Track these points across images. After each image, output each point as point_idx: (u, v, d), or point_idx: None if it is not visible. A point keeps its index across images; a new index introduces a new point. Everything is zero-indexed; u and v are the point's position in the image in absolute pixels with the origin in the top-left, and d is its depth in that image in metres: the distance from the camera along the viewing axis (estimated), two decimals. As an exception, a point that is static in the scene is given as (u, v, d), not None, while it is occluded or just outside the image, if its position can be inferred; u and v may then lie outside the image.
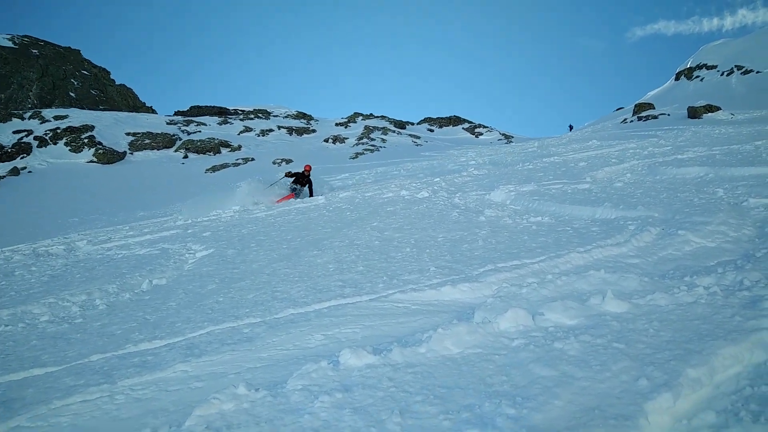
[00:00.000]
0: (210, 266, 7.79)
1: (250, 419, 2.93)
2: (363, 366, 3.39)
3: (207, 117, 54.09)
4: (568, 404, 2.76)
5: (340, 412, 2.88)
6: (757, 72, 44.23)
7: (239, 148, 44.10)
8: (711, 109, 29.31)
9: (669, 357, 3.07)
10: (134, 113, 52.98)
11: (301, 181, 16.70)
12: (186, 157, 41.55)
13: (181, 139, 44.67)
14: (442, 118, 57.35)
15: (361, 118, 56.70)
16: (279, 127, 52.60)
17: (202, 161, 39.74)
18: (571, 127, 46.22)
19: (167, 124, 48.20)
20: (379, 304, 4.88)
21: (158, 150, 41.98)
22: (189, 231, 11.79)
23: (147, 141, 42.43)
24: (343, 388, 3.14)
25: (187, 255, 9.15)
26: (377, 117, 57.13)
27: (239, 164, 38.20)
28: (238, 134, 49.22)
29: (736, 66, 47.57)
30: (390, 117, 56.93)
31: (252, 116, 57.02)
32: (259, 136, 49.71)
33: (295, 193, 16.41)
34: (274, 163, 37.88)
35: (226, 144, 44.27)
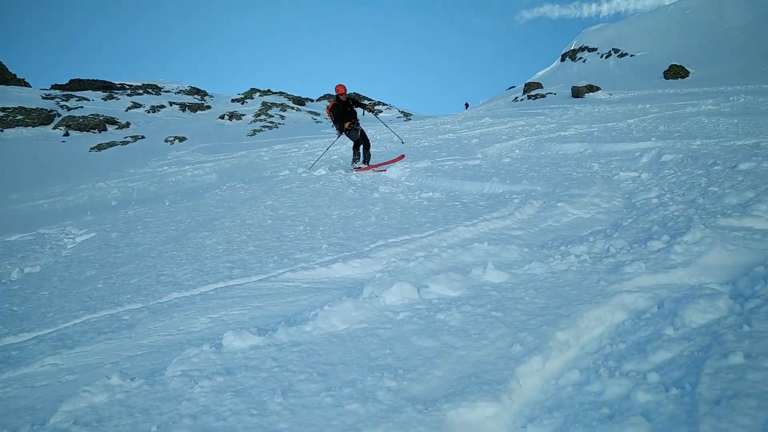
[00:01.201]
0: (90, 251, 7.30)
1: (123, 411, 2.78)
2: (247, 348, 3.32)
3: (90, 92, 50.24)
4: (446, 373, 2.86)
5: (221, 396, 2.81)
6: (631, 55, 47.75)
7: (127, 125, 41.46)
8: (592, 89, 31.32)
9: (541, 322, 3.25)
10: (2, 86, 48.02)
11: (344, 113, 11.78)
12: (67, 134, 38.43)
13: (60, 116, 41.19)
14: (342, 95, 56.99)
15: (258, 94, 55.17)
16: (171, 103, 49.99)
17: (86, 139, 36.97)
18: (467, 105, 47.66)
19: (43, 98, 44.26)
20: (269, 284, 4.79)
21: (33, 127, 38.47)
22: (69, 214, 10.97)
23: (19, 117, 38.72)
24: (225, 371, 3.06)
25: (65, 240, 8.52)
26: (275, 93, 55.83)
27: (128, 142, 35.96)
28: (126, 110, 46.23)
29: (613, 49, 51.09)
30: (289, 93, 55.81)
31: (141, 91, 53.71)
32: (149, 112, 46.98)
33: (346, 130, 11.76)
34: (166, 141, 36.01)
35: (112, 121, 41.43)
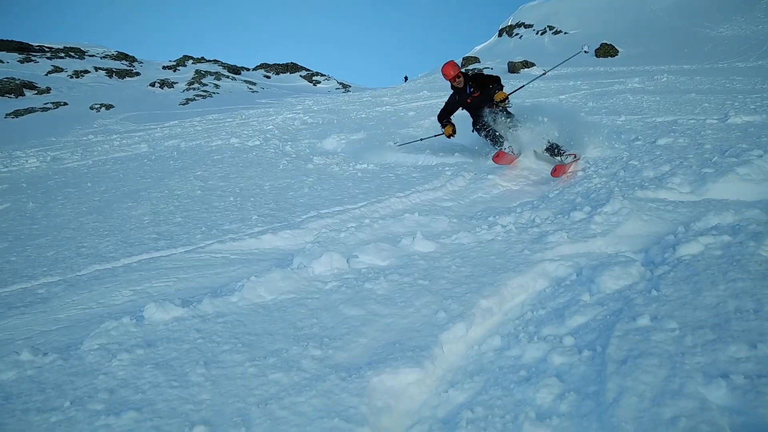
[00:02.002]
0: (3, 223, 6.87)
1: (34, 387, 2.65)
2: (170, 319, 3.22)
3: (4, 53, 46.75)
4: (371, 341, 2.88)
5: (141, 368, 2.72)
6: (565, 33, 48.98)
7: (48, 90, 39.00)
8: (527, 64, 32.00)
9: (466, 290, 3.32)
10: None
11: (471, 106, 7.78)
12: (-22, 99, 35.79)
13: (-30, 78, 38.25)
14: (279, 65, 55.63)
15: (191, 61, 53.07)
16: (96, 69, 47.34)
17: (0, 104, 34.54)
18: (406, 78, 47.53)
19: (-50, 59, 40.93)
20: (196, 255, 4.66)
21: (-65, 90, 35.61)
22: (-20, 184, 10.26)
23: None
24: (146, 343, 2.96)
25: (-25, 211, 7.97)
26: (210, 61, 53.85)
27: (49, 109, 33.87)
28: (46, 75, 43.42)
29: (548, 26, 52.18)
30: (223, 62, 53.96)
31: (63, 55, 50.47)
32: (72, 77, 44.31)
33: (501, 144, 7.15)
34: (92, 108, 34.15)
35: (30, 85, 38.85)
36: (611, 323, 2.55)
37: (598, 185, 5.22)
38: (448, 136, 7.97)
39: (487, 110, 7.48)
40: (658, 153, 5.90)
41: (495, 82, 7.57)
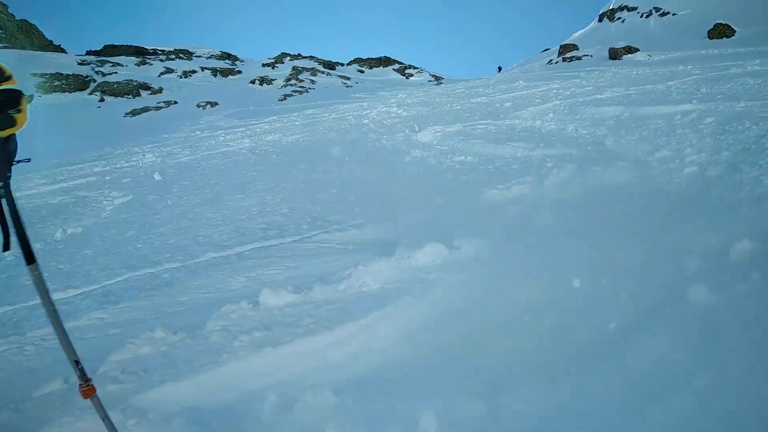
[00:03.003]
0: (129, 213, 7.50)
1: (167, 361, 2.90)
2: (283, 305, 3.40)
3: (123, 57, 50.73)
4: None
5: (260, 349, 2.91)
6: (673, 14, 45.77)
7: (160, 90, 41.90)
8: (630, 50, 30.25)
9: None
10: (40, 52, 48.74)
11: None
12: (102, 100, 39.09)
13: (95, 81, 41.83)
14: (372, 59, 56.35)
15: (288, 58, 54.91)
16: (202, 69, 50.21)
17: (120, 104, 37.55)
18: (500, 69, 46.53)
19: (79, 64, 44.88)
20: (303, 245, 4.88)
21: (70, 92, 39.24)
22: (107, 178, 11.25)
23: (57, 83, 39.47)
24: (263, 326, 3.15)
25: (105, 202, 8.75)
26: (306, 57, 55.48)
27: (161, 108, 36.40)
28: (159, 76, 46.64)
29: (654, 8, 48.93)
30: (319, 57, 55.40)
31: (173, 57, 54.00)
32: (181, 77, 47.30)
33: None
34: (198, 106, 36.33)
35: (146, 86, 41.92)
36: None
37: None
38: None
39: None
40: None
41: None
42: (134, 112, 34.79)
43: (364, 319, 3.11)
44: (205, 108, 35.55)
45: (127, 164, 13.33)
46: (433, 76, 51.79)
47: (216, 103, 36.50)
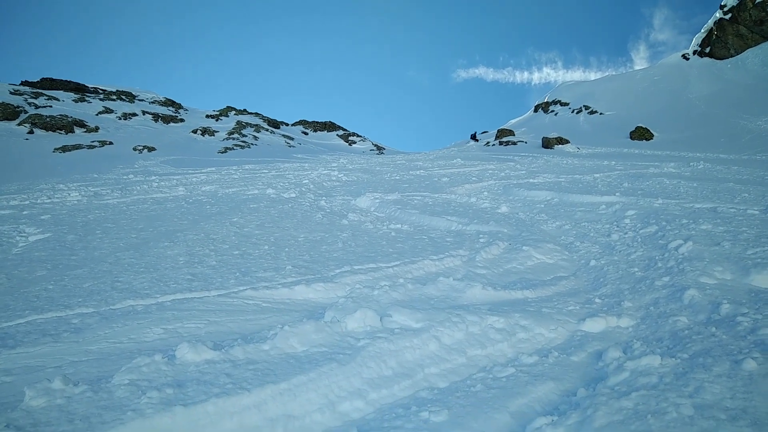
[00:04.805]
0: (44, 251, 7.02)
1: (62, 416, 2.64)
2: (201, 361, 3.21)
3: (61, 92, 49.10)
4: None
5: (170, 408, 2.70)
6: (600, 113, 49.47)
7: (96, 129, 40.57)
8: (561, 141, 32.20)
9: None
10: (-31, 77, 46.46)
11: None
12: (31, 132, 37.34)
13: (26, 112, 40.11)
14: (317, 122, 57.13)
15: (234, 112, 54.92)
16: (144, 112, 49.26)
17: (51, 139, 35.95)
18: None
19: (11, 93, 43.04)
20: (229, 300, 4.68)
21: (-5, 121, 37.34)
22: (25, 213, 10.58)
23: (-18, 110, 37.53)
24: (176, 383, 2.95)
25: (18, 238, 8.17)
26: (251, 113, 55.64)
27: (95, 147, 35.11)
28: (97, 114, 45.28)
29: (584, 106, 52.82)
30: (264, 115, 55.69)
31: (114, 97, 52.81)
32: (120, 119, 46.11)
33: None
34: (134, 149, 35.32)
35: (81, 123, 40.51)
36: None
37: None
38: None
39: None
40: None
41: None
42: (65, 149, 33.35)
43: (285, 383, 2.97)
44: (141, 152, 34.60)
45: (49, 200, 12.63)
46: (376, 145, 52.92)
47: (154, 149, 35.63)
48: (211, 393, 2.85)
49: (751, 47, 51.56)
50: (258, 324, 4.16)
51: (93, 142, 36.35)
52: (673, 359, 2.95)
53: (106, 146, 35.86)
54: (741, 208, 7.47)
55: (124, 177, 21.75)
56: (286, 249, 6.60)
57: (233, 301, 4.66)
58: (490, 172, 16.81)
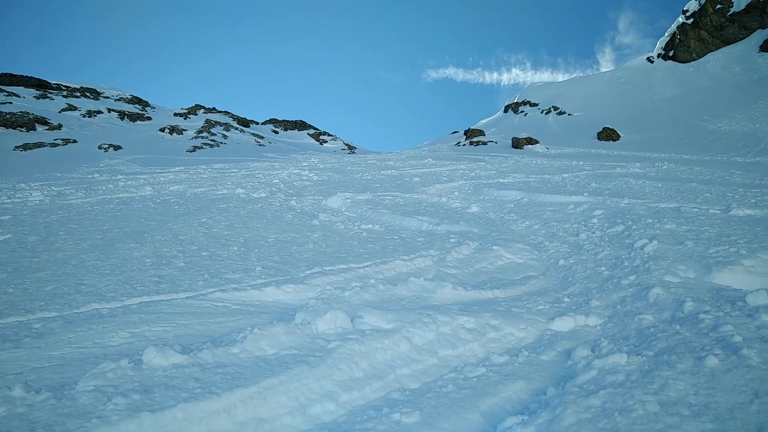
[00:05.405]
0: (3, 253, 6.80)
1: (23, 425, 2.56)
2: (169, 365, 3.15)
3: (21, 88, 47.70)
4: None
5: (137, 414, 2.64)
6: (569, 114, 50.36)
7: (59, 127, 39.52)
8: (531, 141, 32.65)
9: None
10: None
11: None
12: (-10, 130, 36.21)
13: (-16, 110, 38.86)
14: (288, 121, 56.69)
15: (202, 111, 54.15)
16: (109, 110, 48.18)
17: (11, 137, 34.88)
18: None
19: (-32, 89, 41.73)
20: (197, 302, 4.61)
21: (-49, 118, 36.08)
22: (-18, 213, 10.25)
23: (-63, 106, 36.18)
24: (143, 388, 2.89)
25: (-25, 240, 7.92)
26: (220, 112, 54.93)
27: (58, 145, 34.20)
28: (60, 112, 44.12)
29: (553, 107, 53.70)
30: (234, 114, 55.04)
31: (78, 94, 51.52)
32: (84, 116, 45.02)
33: None
34: (100, 148, 34.52)
35: (43, 121, 39.40)
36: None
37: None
38: None
39: None
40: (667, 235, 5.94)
41: None
42: (26, 147, 32.39)
43: (255, 386, 2.94)
44: (107, 150, 33.84)
45: (9, 200, 12.25)
46: (347, 144, 52.79)
47: (120, 147, 34.86)
48: (180, 398, 2.80)
49: (712, 51, 53.14)
50: (227, 326, 4.11)
51: (56, 140, 35.40)
52: (639, 357, 3.01)
53: (69, 144, 34.97)
54: (703, 207, 7.68)
55: (89, 176, 21.25)
56: (256, 250, 6.54)
57: (202, 304, 4.59)
58: (460, 172, 16.93)
